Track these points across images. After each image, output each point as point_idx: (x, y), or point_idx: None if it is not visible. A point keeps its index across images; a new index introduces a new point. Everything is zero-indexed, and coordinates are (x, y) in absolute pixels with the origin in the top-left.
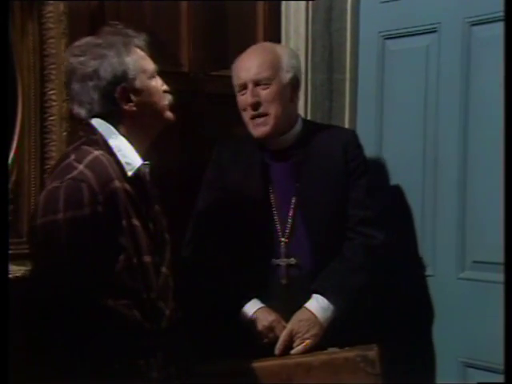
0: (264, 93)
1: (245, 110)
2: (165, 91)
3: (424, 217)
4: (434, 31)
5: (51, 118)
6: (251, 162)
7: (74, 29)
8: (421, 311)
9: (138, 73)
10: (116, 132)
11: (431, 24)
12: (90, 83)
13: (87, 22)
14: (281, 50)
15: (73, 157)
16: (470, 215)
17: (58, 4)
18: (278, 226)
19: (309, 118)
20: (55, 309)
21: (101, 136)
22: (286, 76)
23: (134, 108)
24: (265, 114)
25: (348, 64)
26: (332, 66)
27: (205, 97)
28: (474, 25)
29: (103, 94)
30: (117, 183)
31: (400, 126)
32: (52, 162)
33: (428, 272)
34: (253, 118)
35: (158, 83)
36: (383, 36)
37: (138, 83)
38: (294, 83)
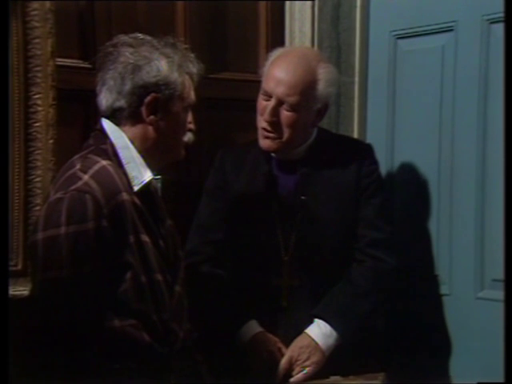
0: (285, 115)
1: (261, 114)
2: (189, 129)
3: (440, 232)
4: (451, 30)
5: (36, 125)
6: (256, 171)
7: (61, 28)
8: (437, 333)
9: (177, 95)
10: (128, 143)
11: (447, 22)
12: (129, 75)
13: (76, 21)
14: (322, 71)
15: (78, 166)
16: (488, 230)
17: (44, 1)
18: (281, 243)
19: None
20: (56, 330)
21: (111, 145)
22: (316, 105)
23: (154, 124)
24: (278, 134)
25: (357, 66)
26: (340, 67)
27: (203, 101)
28: (493, 23)
29: (134, 91)
30: (125, 196)
31: (413, 134)
32: (37, 172)
33: (444, 291)
34: (264, 129)
35: (188, 118)
36: (395, 35)
37: (171, 104)
38: (323, 110)
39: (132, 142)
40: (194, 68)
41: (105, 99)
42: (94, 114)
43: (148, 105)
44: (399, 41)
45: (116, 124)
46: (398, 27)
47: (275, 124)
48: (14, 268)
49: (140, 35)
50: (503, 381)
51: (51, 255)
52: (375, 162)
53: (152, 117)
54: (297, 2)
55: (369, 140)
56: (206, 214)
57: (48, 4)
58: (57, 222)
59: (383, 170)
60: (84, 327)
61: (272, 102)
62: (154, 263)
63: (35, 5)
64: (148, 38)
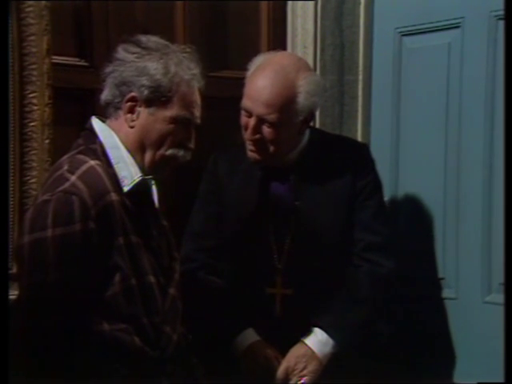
0: (267, 131)
1: (245, 130)
2: (184, 146)
3: (446, 235)
4: (457, 27)
5: (32, 124)
6: (249, 177)
7: (57, 25)
8: (443, 338)
9: (162, 102)
10: (118, 142)
11: (454, 19)
12: (118, 71)
13: (72, 18)
14: (302, 83)
15: (66, 167)
16: (495, 234)
17: None
18: (275, 251)
19: (317, 124)
20: (44, 334)
21: (100, 145)
22: (298, 118)
23: (132, 123)
24: (263, 149)
25: (361, 64)
26: (343, 66)
27: (203, 100)
28: (501, 19)
29: (118, 86)
30: (113, 196)
31: (419, 133)
32: (33, 173)
33: (451, 295)
34: (249, 144)
35: (175, 130)
36: (400, 33)
37: (152, 108)
38: (308, 118)
39: (122, 141)
40: (198, 80)
41: (103, 93)
42: (92, 113)
43: (126, 102)
44: (404, 38)
45: (106, 120)
46: (403, 24)
47: (259, 140)
48: (8, 271)
49: (154, 38)
50: (503, 381)
51: (38, 259)
52: (371, 162)
53: (129, 115)
54: None
55: (373, 140)
56: (199, 219)
57: (44, 1)
58: (43, 224)
59: (388, 171)
60: (72, 331)
61: (252, 121)
62: (145, 265)
63: (30, 1)
64: (161, 42)
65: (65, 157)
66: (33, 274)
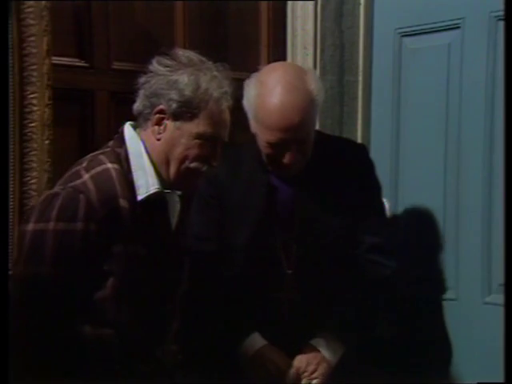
0: (302, 148)
1: (271, 156)
2: (208, 162)
3: (446, 236)
4: (457, 27)
5: (32, 125)
6: (253, 181)
7: (57, 26)
8: (443, 339)
9: (188, 117)
10: (143, 151)
11: (454, 19)
12: (150, 82)
13: (72, 19)
14: (314, 87)
15: (84, 164)
16: (495, 234)
17: None
18: (282, 255)
19: (317, 124)
20: (24, 326)
21: (125, 151)
22: (316, 119)
23: (158, 135)
24: (296, 164)
25: (361, 64)
26: (343, 66)
27: None
28: (501, 20)
29: (149, 97)
30: (122, 203)
31: (419, 134)
32: (33, 174)
33: (451, 296)
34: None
35: (200, 146)
36: (400, 33)
37: (178, 122)
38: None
39: (148, 152)
40: (227, 99)
41: (135, 103)
42: (92, 114)
43: (154, 113)
44: (404, 38)
45: (137, 128)
46: (403, 24)
47: (295, 160)
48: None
49: (190, 53)
50: (503, 381)
51: (36, 249)
52: (370, 164)
53: (156, 127)
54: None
55: (373, 140)
56: (200, 224)
57: (44, 1)
58: (48, 216)
59: (388, 171)
60: (53, 327)
61: (288, 149)
62: (142, 276)
63: (30, 2)
64: (197, 57)
65: (90, 154)
66: (28, 264)
